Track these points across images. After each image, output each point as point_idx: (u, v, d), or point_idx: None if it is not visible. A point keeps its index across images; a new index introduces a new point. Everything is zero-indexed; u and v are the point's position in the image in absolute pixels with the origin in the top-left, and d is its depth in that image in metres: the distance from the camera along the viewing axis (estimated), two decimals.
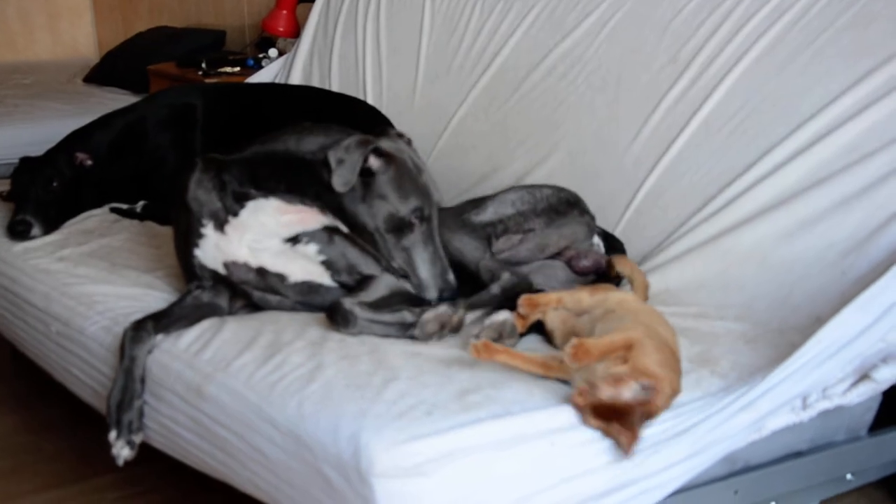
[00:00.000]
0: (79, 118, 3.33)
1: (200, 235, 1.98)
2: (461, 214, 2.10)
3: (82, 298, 2.18)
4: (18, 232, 2.56)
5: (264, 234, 1.94)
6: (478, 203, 2.15)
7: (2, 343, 2.75)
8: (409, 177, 1.86)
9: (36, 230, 2.57)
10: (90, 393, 2.13)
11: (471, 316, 1.92)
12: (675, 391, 1.60)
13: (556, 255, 2.13)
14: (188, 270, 2.04)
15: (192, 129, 2.87)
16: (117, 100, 4.31)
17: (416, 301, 1.91)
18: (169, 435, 1.89)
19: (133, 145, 2.86)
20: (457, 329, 1.85)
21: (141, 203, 2.80)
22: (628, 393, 1.52)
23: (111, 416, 1.90)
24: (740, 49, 2.30)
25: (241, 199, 1.93)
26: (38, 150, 2.85)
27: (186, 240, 2.01)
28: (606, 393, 1.52)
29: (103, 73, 5.08)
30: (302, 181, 1.86)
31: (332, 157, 1.79)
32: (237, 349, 1.82)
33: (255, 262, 1.96)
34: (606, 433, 1.52)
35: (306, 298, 1.99)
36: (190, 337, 1.92)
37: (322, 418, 1.56)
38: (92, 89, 4.95)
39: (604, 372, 1.56)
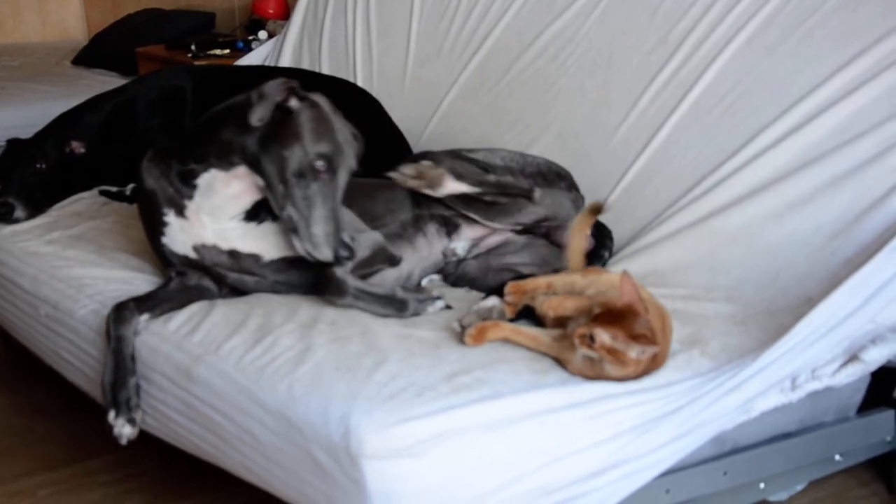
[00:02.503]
0: (67, 100, 3.31)
1: (164, 223, 1.98)
2: (454, 152, 2.16)
3: (71, 282, 2.17)
4: (0, 214, 2.54)
5: (223, 216, 1.94)
6: (470, 150, 2.20)
7: None
8: (325, 124, 1.86)
9: (19, 212, 2.55)
10: (81, 376, 2.12)
11: (455, 185, 1.97)
12: (659, 361, 1.63)
13: (536, 227, 2.13)
14: (162, 259, 2.05)
15: (181, 111, 2.86)
16: (106, 82, 4.29)
17: (396, 260, 1.95)
18: (160, 418, 1.89)
19: (122, 128, 2.84)
20: (433, 185, 1.91)
21: (130, 186, 2.78)
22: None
23: (107, 397, 1.89)
24: (730, 31, 2.29)
25: (188, 180, 1.92)
26: (26, 133, 2.83)
27: (152, 229, 2.02)
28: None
29: (92, 55, 5.05)
30: (231, 136, 1.86)
31: (255, 94, 1.81)
32: (227, 332, 1.81)
33: (225, 245, 1.96)
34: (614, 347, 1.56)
35: (284, 277, 1.98)
36: (179, 319, 1.92)
37: (312, 400, 1.56)
38: (80, 71, 4.92)
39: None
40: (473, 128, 2.77)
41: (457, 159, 2.10)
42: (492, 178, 2.01)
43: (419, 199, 2.13)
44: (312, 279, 1.92)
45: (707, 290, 2.01)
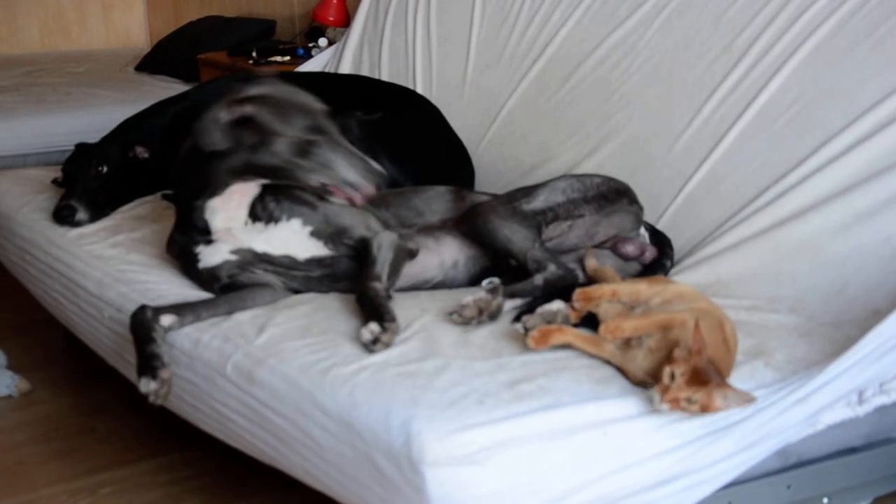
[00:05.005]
0: (130, 106, 3.36)
1: (195, 255, 2.10)
2: (512, 202, 2.09)
3: (135, 285, 2.20)
4: (63, 217, 2.57)
5: (236, 223, 2.05)
6: (528, 191, 2.13)
7: (56, 326, 2.79)
8: (283, 102, 1.98)
9: (81, 215, 2.58)
10: None
11: (510, 304, 1.92)
12: (724, 373, 1.59)
13: (602, 243, 2.13)
14: (204, 285, 2.12)
15: None
16: (168, 88, 4.35)
17: (414, 252, 2.04)
18: (221, 419, 1.91)
19: (185, 133, 2.87)
20: (494, 316, 1.85)
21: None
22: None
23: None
24: (797, 39, 2.26)
25: (197, 220, 2.07)
26: (90, 138, 2.88)
27: (188, 268, 2.15)
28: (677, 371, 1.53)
29: (155, 61, 5.13)
30: (210, 168, 2.04)
31: (196, 127, 2.02)
32: (290, 335, 1.83)
33: (259, 248, 2.04)
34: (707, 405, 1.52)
35: (325, 271, 2.06)
36: (243, 321, 1.93)
37: (373, 406, 1.56)
38: (143, 78, 5.00)
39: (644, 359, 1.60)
40: (533, 136, 2.76)
41: (515, 217, 2.05)
42: (539, 281, 1.97)
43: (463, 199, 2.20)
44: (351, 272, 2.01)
45: (771, 301, 1.99)
